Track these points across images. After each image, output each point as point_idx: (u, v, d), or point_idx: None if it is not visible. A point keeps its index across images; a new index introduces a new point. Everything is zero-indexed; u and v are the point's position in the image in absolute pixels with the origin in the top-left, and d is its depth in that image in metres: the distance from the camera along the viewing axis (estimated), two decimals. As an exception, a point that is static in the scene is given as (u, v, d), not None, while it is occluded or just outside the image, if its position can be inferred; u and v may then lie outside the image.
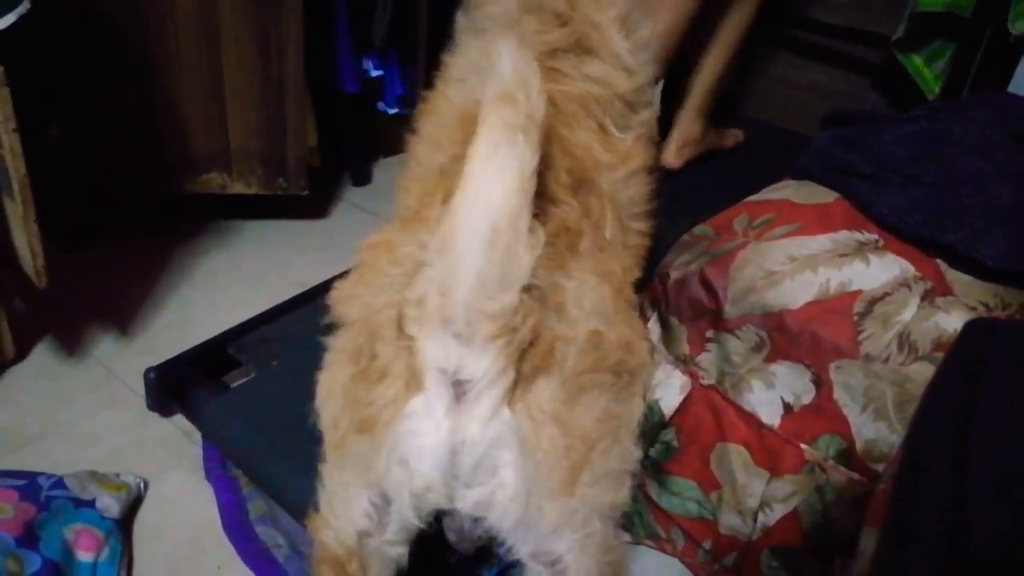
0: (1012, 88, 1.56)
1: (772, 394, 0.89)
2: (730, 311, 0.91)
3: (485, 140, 0.56)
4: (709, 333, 0.94)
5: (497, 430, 0.63)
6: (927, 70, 1.70)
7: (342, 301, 0.72)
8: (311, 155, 1.69)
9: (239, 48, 1.53)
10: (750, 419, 0.91)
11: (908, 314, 0.83)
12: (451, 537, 0.76)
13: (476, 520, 0.68)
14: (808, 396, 0.87)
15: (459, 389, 0.62)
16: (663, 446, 0.98)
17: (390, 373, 0.65)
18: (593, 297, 0.68)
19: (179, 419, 1.20)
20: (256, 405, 1.11)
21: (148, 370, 1.17)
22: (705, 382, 0.95)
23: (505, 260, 0.57)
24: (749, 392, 0.91)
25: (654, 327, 1.02)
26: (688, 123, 1.73)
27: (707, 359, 0.95)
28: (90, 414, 1.23)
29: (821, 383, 0.86)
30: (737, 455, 0.92)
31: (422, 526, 0.70)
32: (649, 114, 0.89)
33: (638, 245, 0.83)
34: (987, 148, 0.93)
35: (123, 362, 1.33)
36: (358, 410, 0.67)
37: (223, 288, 1.54)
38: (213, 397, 1.13)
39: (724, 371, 0.93)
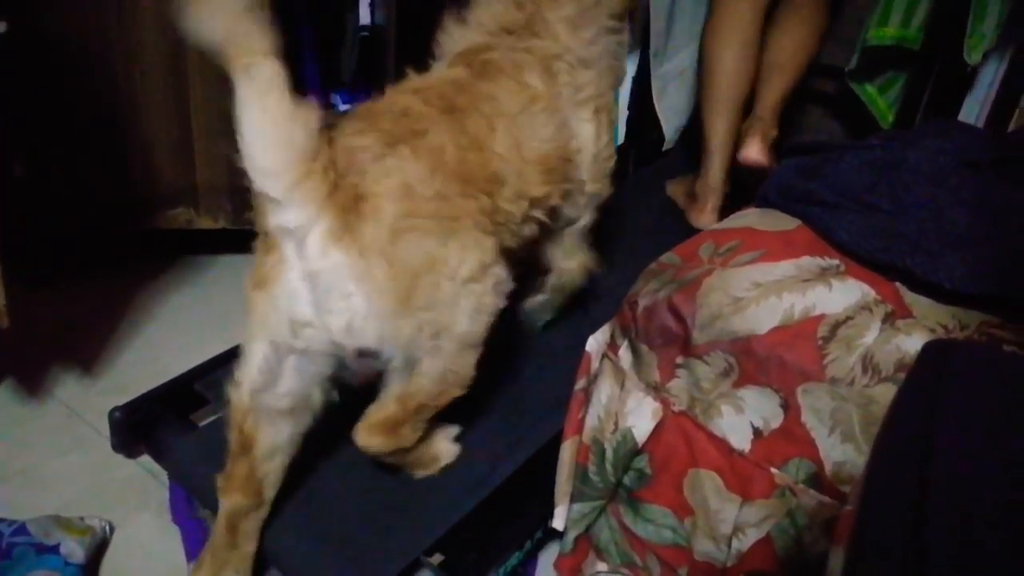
0: (962, 116, 1.62)
1: (742, 419, 0.90)
2: (698, 337, 0.92)
3: (238, 80, 0.78)
4: (679, 359, 0.95)
5: (333, 264, 0.84)
6: (881, 99, 1.75)
7: (256, 209, 0.89)
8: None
9: (206, 84, 1.53)
10: (721, 444, 0.91)
11: (870, 337, 0.85)
12: (349, 379, 0.95)
13: (360, 352, 0.89)
14: (777, 420, 0.88)
15: (298, 238, 0.83)
16: (636, 473, 0.98)
17: (273, 246, 0.87)
18: (409, 167, 0.89)
19: (145, 460, 1.18)
20: (225, 443, 1.09)
21: (114, 409, 1.15)
22: (676, 408, 0.96)
23: (268, 133, 0.79)
24: (719, 417, 0.91)
25: (625, 355, 1.03)
26: (723, 184, 1.73)
27: (677, 385, 0.96)
28: (53, 456, 1.20)
29: (789, 407, 0.87)
30: (709, 481, 0.92)
31: (310, 378, 0.91)
32: (583, 77, 1.15)
33: (540, 156, 1.05)
34: (940, 175, 0.96)
35: (87, 402, 1.30)
36: (256, 275, 0.89)
37: (191, 325, 1.52)
38: (180, 436, 1.11)
39: (694, 397, 0.94)
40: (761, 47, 1.70)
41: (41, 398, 1.31)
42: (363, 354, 0.90)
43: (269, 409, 0.93)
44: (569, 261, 1.29)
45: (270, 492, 0.97)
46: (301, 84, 1.73)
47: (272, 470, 0.96)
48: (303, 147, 0.80)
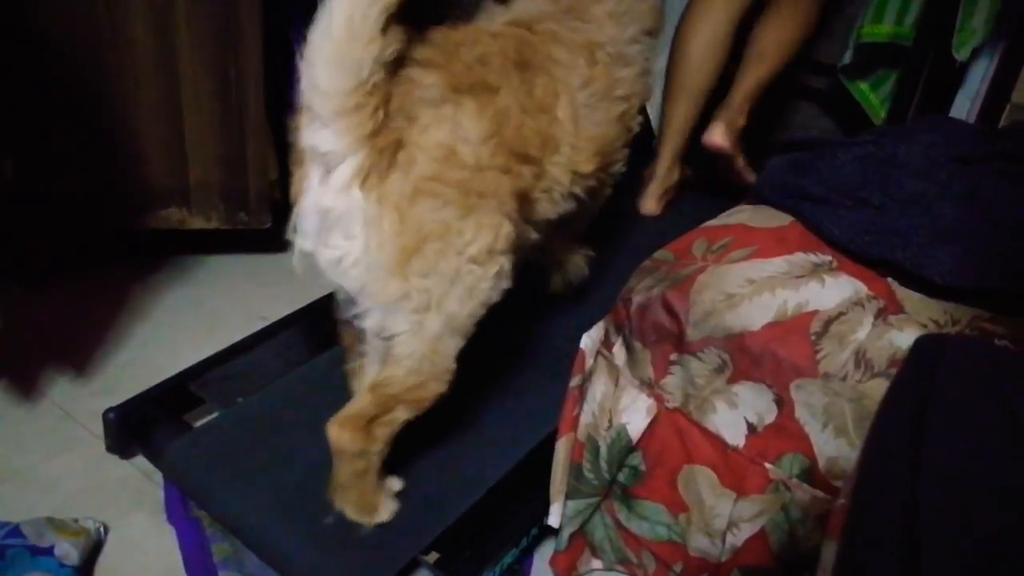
0: (954, 112, 1.63)
1: (736, 415, 0.90)
2: (692, 334, 0.93)
3: None
4: (672, 356, 0.95)
5: (348, 203, 0.82)
6: (873, 96, 1.76)
7: (295, 126, 0.87)
8: (272, 188, 1.68)
9: (198, 83, 1.52)
10: (715, 440, 0.92)
11: (863, 332, 0.86)
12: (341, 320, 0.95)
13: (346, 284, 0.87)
14: (771, 416, 0.88)
15: (325, 166, 0.82)
16: (631, 470, 0.99)
17: (301, 161, 0.86)
18: (465, 124, 0.86)
19: (139, 460, 1.18)
20: (220, 443, 1.09)
21: (108, 410, 1.15)
22: (670, 405, 0.96)
23: (341, 50, 0.75)
24: (713, 413, 0.92)
25: (619, 352, 1.03)
26: (668, 171, 1.77)
27: (671, 382, 0.96)
28: (46, 458, 1.20)
29: (783, 402, 0.87)
30: (704, 477, 0.93)
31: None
32: (621, 73, 1.14)
33: (593, 136, 1.06)
34: (931, 170, 0.96)
35: (80, 403, 1.30)
36: (292, 191, 0.88)
37: (184, 325, 1.52)
38: (175, 437, 1.11)
39: (688, 393, 0.94)
40: (743, 41, 1.71)
41: (34, 399, 1.31)
42: (343, 296, 0.90)
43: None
44: (572, 255, 1.35)
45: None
46: (292, 78, 1.74)
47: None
48: (366, 76, 0.77)
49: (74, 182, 1.52)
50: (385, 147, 0.82)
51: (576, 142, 1.03)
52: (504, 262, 0.92)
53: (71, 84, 1.45)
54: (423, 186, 0.83)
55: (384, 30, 0.77)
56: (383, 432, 0.93)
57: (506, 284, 0.95)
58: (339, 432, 0.92)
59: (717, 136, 1.70)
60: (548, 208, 1.04)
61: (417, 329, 0.88)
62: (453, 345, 0.92)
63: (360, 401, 0.93)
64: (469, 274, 0.89)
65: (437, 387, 0.93)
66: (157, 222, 1.60)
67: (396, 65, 0.82)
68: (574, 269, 1.38)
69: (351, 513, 0.98)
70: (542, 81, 0.98)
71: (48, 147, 1.49)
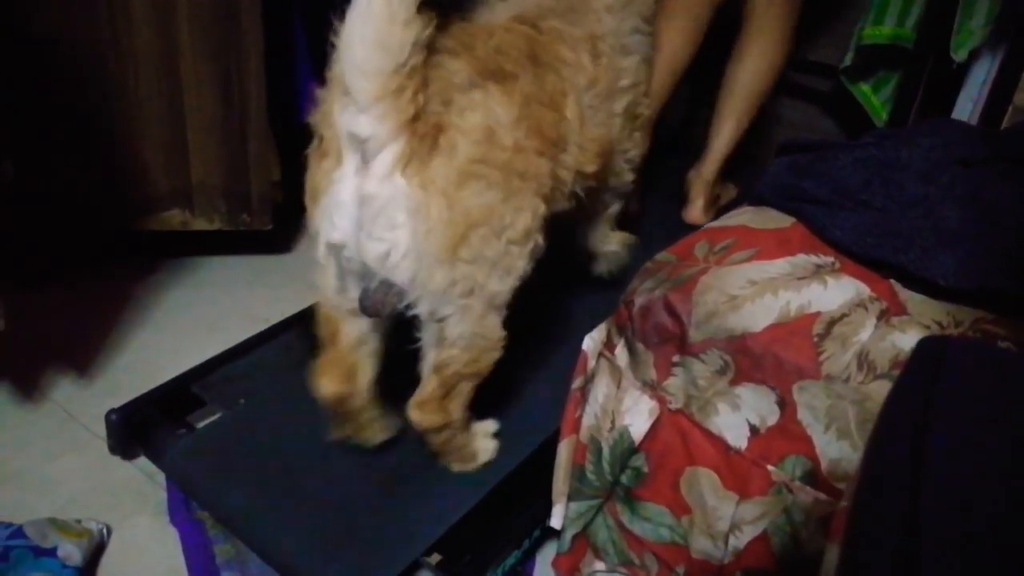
0: (955, 114, 1.63)
1: (738, 417, 0.90)
2: (694, 335, 0.93)
3: None
4: (675, 358, 0.95)
5: (391, 191, 0.80)
6: (875, 98, 1.76)
7: (317, 109, 0.86)
8: (274, 190, 1.68)
9: (200, 85, 1.53)
10: (718, 442, 0.92)
11: (865, 334, 0.86)
12: (366, 306, 0.91)
13: (385, 285, 0.86)
14: (773, 417, 0.88)
15: (364, 153, 0.79)
16: (633, 472, 0.99)
17: (329, 151, 0.82)
18: (496, 108, 0.85)
19: (142, 462, 1.18)
20: (222, 445, 1.09)
21: (110, 412, 1.15)
22: (673, 407, 0.96)
23: (380, 30, 0.73)
24: (716, 415, 0.92)
25: (621, 353, 1.03)
26: (711, 185, 1.73)
27: (674, 384, 0.96)
28: (49, 459, 1.20)
29: (785, 404, 0.87)
30: (706, 479, 0.93)
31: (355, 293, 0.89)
32: (625, 63, 1.15)
33: (597, 136, 1.07)
34: (933, 172, 0.96)
35: (83, 405, 1.30)
36: (310, 184, 0.85)
37: (186, 326, 1.52)
38: (177, 438, 1.11)
39: (691, 395, 0.94)
40: (719, 80, 1.69)
41: (37, 400, 1.31)
42: (389, 286, 0.87)
43: (349, 308, 0.93)
44: (609, 244, 1.38)
45: (363, 379, 0.99)
46: (294, 79, 1.74)
47: (360, 358, 0.97)
48: (406, 58, 0.76)
49: (75, 183, 1.53)
50: (425, 132, 0.80)
51: (582, 142, 1.03)
52: (539, 238, 0.95)
53: (73, 85, 1.45)
54: (470, 169, 0.83)
55: (419, 11, 0.76)
56: (457, 404, 0.99)
57: (540, 254, 0.98)
58: (419, 415, 0.98)
59: (695, 214, 1.72)
60: (552, 205, 1.04)
61: (464, 312, 0.90)
62: (497, 317, 0.95)
63: (429, 384, 0.97)
64: (508, 255, 0.90)
65: (493, 355, 0.97)
66: (159, 223, 1.61)
67: (429, 49, 0.81)
68: (613, 256, 1.40)
69: (456, 468, 1.07)
70: (552, 79, 0.98)
71: (49, 148, 1.49)
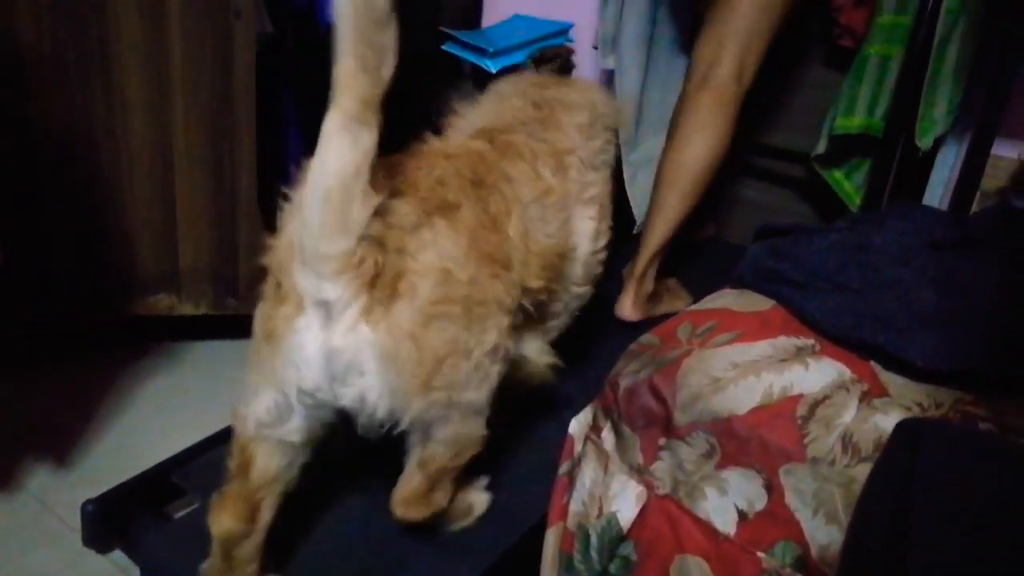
0: (927, 198, 1.68)
1: (726, 501, 0.89)
2: (679, 418, 0.93)
3: (327, 124, 0.75)
4: (661, 441, 0.95)
5: (357, 342, 0.83)
6: (847, 183, 1.82)
7: (271, 253, 0.89)
8: (261, 273, 1.69)
9: (192, 170, 1.55)
10: (706, 528, 0.90)
11: (848, 416, 0.86)
12: (360, 431, 0.93)
13: (368, 419, 0.89)
14: (761, 502, 0.87)
15: (328, 310, 0.82)
16: (622, 561, 0.97)
17: (288, 298, 0.85)
18: (446, 244, 0.88)
19: (117, 555, 1.14)
20: (201, 535, 1.06)
21: (86, 502, 1.12)
22: (660, 492, 0.95)
23: (339, 214, 0.77)
24: (703, 500, 0.91)
25: (608, 436, 1.03)
26: (646, 271, 1.64)
27: (660, 467, 0.95)
28: (22, 552, 1.16)
29: (772, 488, 0.87)
30: (697, 567, 0.91)
31: (318, 423, 0.91)
32: (591, 177, 1.20)
33: (543, 249, 1.07)
34: (906, 255, 0.99)
35: (58, 495, 1.27)
36: (267, 324, 0.87)
37: (169, 412, 1.50)
38: (154, 529, 1.08)
39: (678, 479, 0.93)
40: (662, 155, 1.63)
41: (11, 491, 1.28)
42: (371, 419, 0.90)
43: (275, 440, 0.92)
44: (544, 357, 1.22)
45: (265, 517, 0.96)
46: (283, 152, 1.76)
47: (269, 495, 0.95)
48: (366, 231, 0.80)
49: (66, 270, 1.53)
50: (384, 280, 0.84)
51: (527, 258, 1.04)
52: (507, 344, 0.99)
53: (66, 172, 1.47)
54: (432, 310, 0.86)
55: (372, 175, 0.78)
56: (441, 495, 1.02)
57: (510, 355, 1.02)
58: (405, 512, 1.01)
59: (627, 311, 1.63)
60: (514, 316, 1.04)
61: (445, 421, 0.94)
62: (480, 419, 0.99)
63: (413, 480, 1.00)
64: (479, 368, 0.94)
65: (474, 450, 1.00)
66: (146, 308, 1.60)
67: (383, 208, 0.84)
68: (538, 374, 1.23)
69: (455, 526, 1.09)
70: (495, 199, 1.00)
71: (41, 235, 1.50)
